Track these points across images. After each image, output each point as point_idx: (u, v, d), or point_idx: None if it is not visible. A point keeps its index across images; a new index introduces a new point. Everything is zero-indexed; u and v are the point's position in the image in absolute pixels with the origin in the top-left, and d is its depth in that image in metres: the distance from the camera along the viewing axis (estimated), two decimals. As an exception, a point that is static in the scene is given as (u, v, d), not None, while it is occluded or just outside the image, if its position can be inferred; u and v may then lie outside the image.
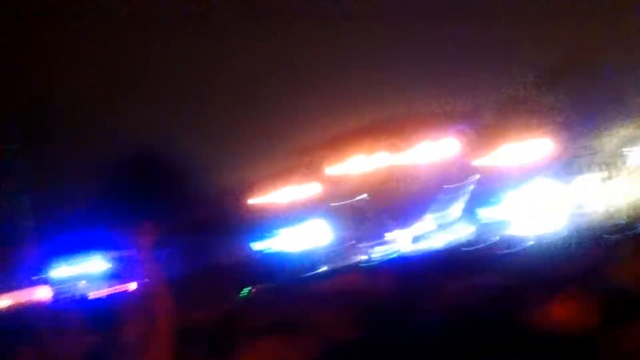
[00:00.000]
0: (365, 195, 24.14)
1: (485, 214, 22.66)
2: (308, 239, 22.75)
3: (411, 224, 23.34)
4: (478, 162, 23.19)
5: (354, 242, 22.77)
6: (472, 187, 23.85)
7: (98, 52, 26.64)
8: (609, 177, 23.33)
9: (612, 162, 23.43)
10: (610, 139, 23.26)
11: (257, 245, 22.12)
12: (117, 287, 16.92)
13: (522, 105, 26.01)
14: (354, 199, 24.08)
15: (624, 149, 23.15)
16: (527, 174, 22.17)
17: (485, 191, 22.98)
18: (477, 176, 23.54)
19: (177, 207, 24.54)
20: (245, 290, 4.59)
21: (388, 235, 23.00)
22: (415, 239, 22.46)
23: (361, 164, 23.79)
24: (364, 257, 19.74)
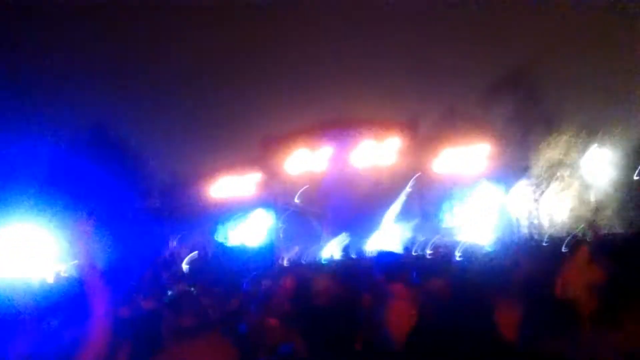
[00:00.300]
0: (306, 195, 24.10)
1: (427, 220, 22.97)
2: (250, 235, 22.53)
3: (350, 228, 23.41)
4: (420, 167, 23.45)
5: (293, 242, 22.67)
6: (410, 192, 24.11)
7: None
8: (550, 188, 24.04)
9: (553, 173, 24.15)
10: (552, 150, 23.98)
11: (204, 238, 21.75)
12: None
13: (465, 111, 26.59)
14: (297, 199, 23.99)
15: (566, 161, 23.90)
16: (468, 182, 22.59)
17: (427, 197, 23.30)
18: (413, 184, 23.83)
19: (125, 195, 23.93)
20: (169, 293, 4.42)
21: (326, 238, 23.01)
22: (352, 244, 22.53)
23: (305, 162, 23.69)
24: (304, 259, 19.59)
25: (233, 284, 6.36)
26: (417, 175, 23.45)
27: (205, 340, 3.30)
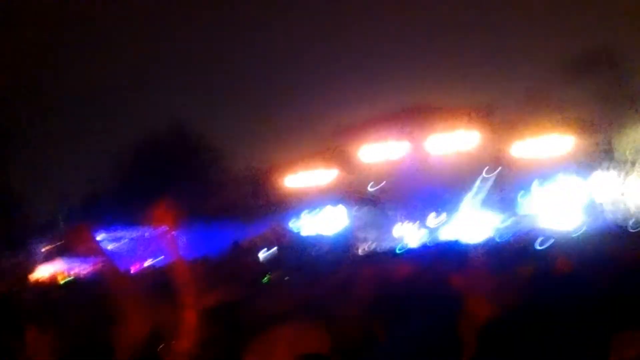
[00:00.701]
0: (382, 185, 24.04)
1: (507, 208, 22.47)
2: (325, 226, 22.71)
3: (428, 217, 23.22)
4: (498, 155, 22.92)
5: (371, 231, 22.70)
6: (491, 181, 23.62)
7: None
8: (635, 171, 22.95)
9: (630, 163, 23.08)
10: (630, 139, 22.94)
11: (283, 228, 22.15)
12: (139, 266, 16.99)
13: (544, 99, 25.70)
14: (371, 188, 23.97)
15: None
16: (549, 169, 21.93)
17: (506, 185, 22.78)
18: (498, 169, 23.31)
19: (201, 189, 24.63)
20: (267, 276, 4.52)
21: (404, 227, 22.91)
22: (432, 232, 22.33)
23: (379, 152, 23.62)
24: (383, 247, 19.56)
25: (313, 272, 6.46)
26: (495, 162, 22.97)
27: (301, 325, 3.37)
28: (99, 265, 2.73)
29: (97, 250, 2.73)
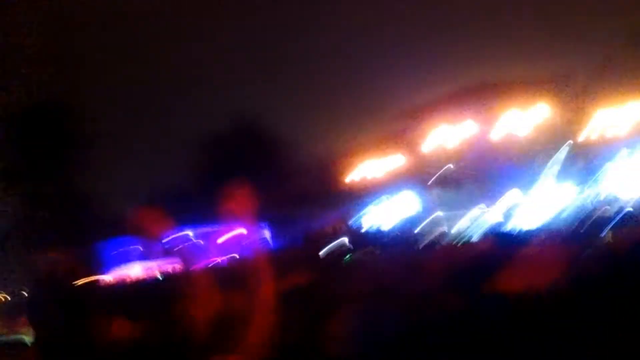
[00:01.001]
0: (450, 166, 23.74)
1: (586, 187, 21.67)
2: (399, 211, 22.64)
3: (501, 197, 22.72)
4: (578, 127, 22.17)
5: (443, 214, 22.46)
6: (566, 157, 22.82)
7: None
8: None
9: None
10: None
11: (354, 216, 22.32)
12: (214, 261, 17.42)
13: (619, 65, 24.53)
14: (441, 170, 23.72)
15: None
16: (628, 143, 21.01)
17: (589, 157, 21.99)
18: (570, 144, 22.54)
19: (272, 179, 25.03)
20: (348, 257, 4.63)
21: (479, 209, 22.50)
22: (507, 213, 21.80)
23: (447, 133, 23.34)
24: (455, 230, 19.33)
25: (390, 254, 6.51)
26: (575, 134, 22.24)
27: (376, 305, 3.46)
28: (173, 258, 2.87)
29: (171, 232, 2.86)
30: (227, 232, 22.37)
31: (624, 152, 20.98)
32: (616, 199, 16.41)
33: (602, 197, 18.94)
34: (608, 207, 12.35)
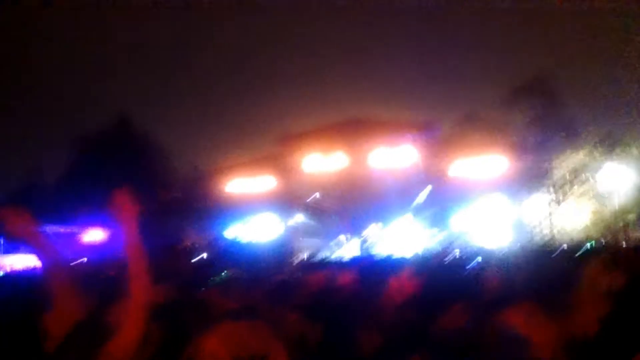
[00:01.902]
0: (317, 195, 24.24)
1: (440, 225, 23.00)
2: (266, 232, 22.67)
3: (363, 229, 23.52)
4: (434, 173, 23.47)
5: (310, 239, 22.85)
6: (425, 197, 24.16)
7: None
8: (562, 199, 24.02)
9: (565, 185, 24.13)
10: (566, 163, 23.96)
11: (223, 232, 21.97)
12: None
13: (481, 121, 26.56)
14: (312, 198, 24.15)
15: (585, 169, 23.88)
16: (482, 189, 22.53)
17: (440, 202, 23.30)
18: (430, 187, 23.87)
19: (144, 187, 24.09)
20: (216, 278, 4.59)
21: (343, 237, 23.14)
22: (370, 243, 22.62)
23: (321, 163, 23.83)
24: (322, 255, 19.71)
25: (255, 275, 6.54)
26: (434, 178, 23.50)
27: (249, 323, 3.43)
28: (38, 247, 2.65)
29: (34, 234, 2.66)
30: (94, 232, 21.36)
31: (479, 200, 22.59)
32: (467, 244, 17.53)
33: (452, 240, 20.19)
34: (457, 250, 13.19)
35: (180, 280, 5.36)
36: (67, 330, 2.59)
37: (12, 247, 20.13)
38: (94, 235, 20.87)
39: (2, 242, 20.38)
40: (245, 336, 3.30)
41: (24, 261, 15.17)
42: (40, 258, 2.64)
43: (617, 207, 23.54)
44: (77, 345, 2.64)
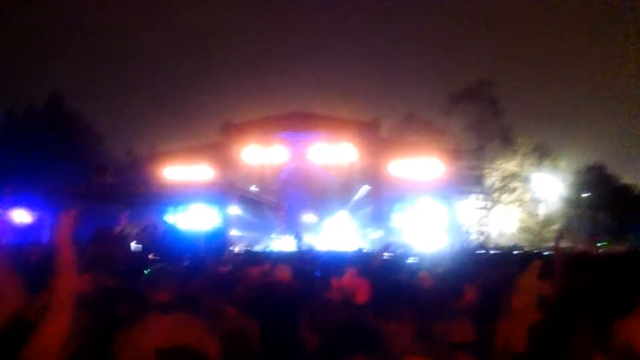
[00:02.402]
0: (254, 187, 24.11)
1: (375, 224, 23.26)
2: (202, 222, 22.32)
3: (299, 223, 23.53)
4: (372, 172, 23.71)
5: (247, 231, 22.67)
6: (361, 196, 24.40)
7: None
8: (492, 206, 24.79)
9: (505, 186, 24.89)
10: (506, 163, 24.71)
11: (159, 219, 21.46)
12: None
13: (420, 123, 27.10)
14: (250, 187, 23.98)
15: (519, 175, 24.67)
16: (419, 190, 22.91)
17: (377, 201, 23.58)
18: (367, 186, 24.11)
19: (76, 170, 23.32)
20: (149, 269, 4.45)
21: (281, 230, 23.07)
22: (300, 239, 22.56)
23: (258, 154, 23.69)
24: (259, 248, 19.57)
25: (192, 265, 6.42)
26: (372, 176, 23.74)
27: (180, 316, 3.35)
28: None
29: None
30: (19, 213, 20.46)
31: (414, 201, 22.99)
32: (402, 244, 17.76)
33: (389, 240, 20.43)
34: (390, 249, 13.32)
35: (113, 268, 5.20)
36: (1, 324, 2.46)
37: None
38: (19, 216, 20.01)
39: None
40: (175, 329, 3.23)
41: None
42: None
43: (544, 217, 24.48)
44: (7, 341, 2.50)
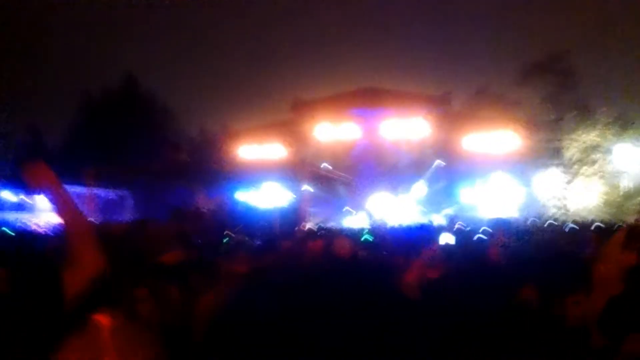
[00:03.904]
0: (327, 164, 24.19)
1: (449, 199, 22.97)
2: (277, 198, 22.68)
3: (372, 199, 23.50)
4: (445, 147, 23.33)
5: (320, 207, 22.88)
6: (434, 171, 24.07)
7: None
8: (572, 179, 23.93)
9: (575, 165, 24.01)
10: (577, 142, 23.81)
11: (233, 197, 21.97)
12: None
13: (494, 96, 26.34)
14: (323, 166, 24.12)
15: (598, 147, 23.73)
16: (492, 165, 22.41)
17: (454, 175, 23.22)
18: (439, 161, 23.77)
19: (153, 149, 24.11)
20: (225, 240, 4.60)
21: (354, 205, 23.14)
22: (381, 214, 22.56)
23: (333, 132, 23.70)
24: (332, 224, 19.67)
25: (264, 242, 6.55)
26: (445, 151, 23.38)
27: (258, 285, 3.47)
28: (60, 203, 2.61)
29: (57, 186, 2.62)
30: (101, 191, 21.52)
31: (489, 174, 22.51)
32: (476, 219, 17.49)
33: (460, 214, 20.15)
34: (462, 223, 13.13)
35: (189, 243, 5.40)
36: (85, 289, 2.58)
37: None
38: (101, 194, 20.96)
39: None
40: (250, 298, 3.38)
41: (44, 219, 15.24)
42: (60, 213, 2.61)
43: (626, 189, 23.45)
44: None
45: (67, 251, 2.58)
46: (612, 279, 3.40)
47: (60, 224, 2.66)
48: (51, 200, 2.58)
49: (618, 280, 3.36)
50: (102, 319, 2.53)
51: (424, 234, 7.44)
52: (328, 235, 7.52)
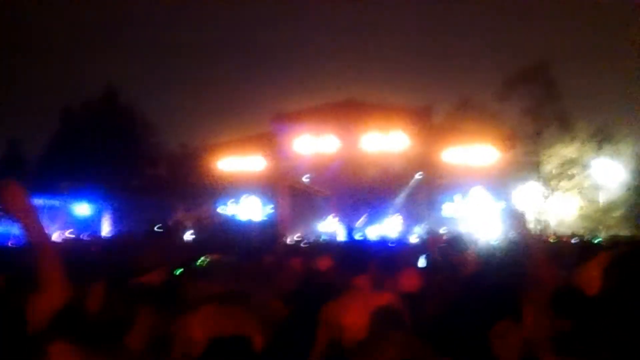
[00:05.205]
0: (307, 177, 24.10)
1: (432, 209, 22.99)
2: (254, 212, 22.54)
3: (351, 213, 23.47)
4: (428, 159, 23.37)
5: (299, 222, 22.78)
6: (415, 184, 24.10)
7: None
8: (559, 186, 24.12)
9: (564, 172, 24.21)
10: (564, 149, 24.02)
11: (211, 211, 21.79)
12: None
13: (474, 109, 26.53)
14: (303, 180, 24.03)
15: (577, 160, 23.95)
16: (475, 178, 22.48)
17: (433, 189, 23.25)
18: (420, 175, 23.78)
19: (131, 163, 23.88)
20: (200, 259, 4.48)
21: (331, 220, 23.08)
22: (359, 228, 22.50)
23: (313, 145, 23.60)
24: (310, 239, 19.57)
25: (242, 258, 6.43)
26: (425, 164, 23.41)
27: (233, 307, 3.38)
28: (29, 225, 2.51)
29: (28, 208, 2.52)
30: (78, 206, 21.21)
31: (469, 189, 22.57)
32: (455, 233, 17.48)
33: (438, 228, 20.14)
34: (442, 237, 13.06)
35: (168, 260, 5.27)
36: (52, 314, 2.49)
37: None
38: (78, 210, 20.66)
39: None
40: (223, 320, 3.28)
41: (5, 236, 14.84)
42: (29, 236, 2.51)
43: (604, 204, 23.71)
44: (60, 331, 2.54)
45: (33, 276, 2.48)
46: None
47: (28, 247, 2.56)
48: (20, 223, 2.48)
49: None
50: (66, 347, 2.43)
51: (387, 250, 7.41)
52: (308, 251, 7.43)
